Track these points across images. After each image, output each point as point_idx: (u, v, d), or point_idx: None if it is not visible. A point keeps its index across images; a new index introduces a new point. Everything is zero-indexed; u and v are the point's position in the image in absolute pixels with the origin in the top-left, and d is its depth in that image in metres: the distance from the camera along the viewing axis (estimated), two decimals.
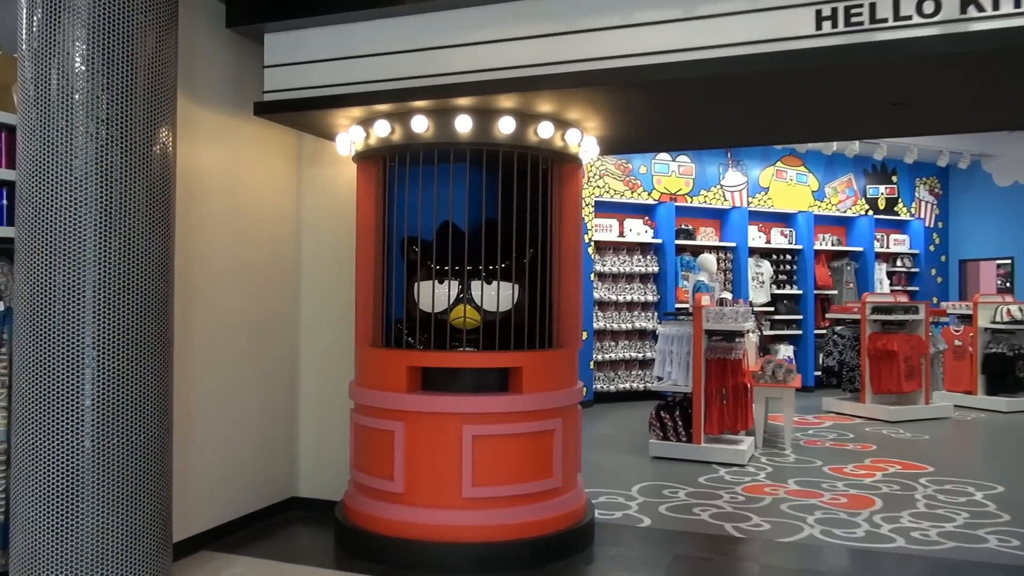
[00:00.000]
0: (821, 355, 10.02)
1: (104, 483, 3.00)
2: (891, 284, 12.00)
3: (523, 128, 4.12)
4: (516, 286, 4.26)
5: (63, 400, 2.97)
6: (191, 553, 4.09)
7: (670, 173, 10.39)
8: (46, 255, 2.99)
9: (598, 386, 9.59)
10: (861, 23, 3.16)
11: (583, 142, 4.43)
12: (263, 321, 4.71)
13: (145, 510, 3.11)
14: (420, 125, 4.05)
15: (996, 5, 2.98)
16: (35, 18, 3.01)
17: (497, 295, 4.19)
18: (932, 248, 12.63)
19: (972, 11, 3.01)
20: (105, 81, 3.01)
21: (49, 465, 2.96)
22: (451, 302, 4.16)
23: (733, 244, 10.72)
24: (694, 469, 6.17)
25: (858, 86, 3.65)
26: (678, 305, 9.79)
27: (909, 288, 12.14)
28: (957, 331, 10.09)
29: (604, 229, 9.85)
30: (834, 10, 3.18)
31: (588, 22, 3.55)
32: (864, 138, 9.69)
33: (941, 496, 5.48)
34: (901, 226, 12.40)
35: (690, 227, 10.56)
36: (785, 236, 11.35)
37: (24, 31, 3.05)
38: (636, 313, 10.04)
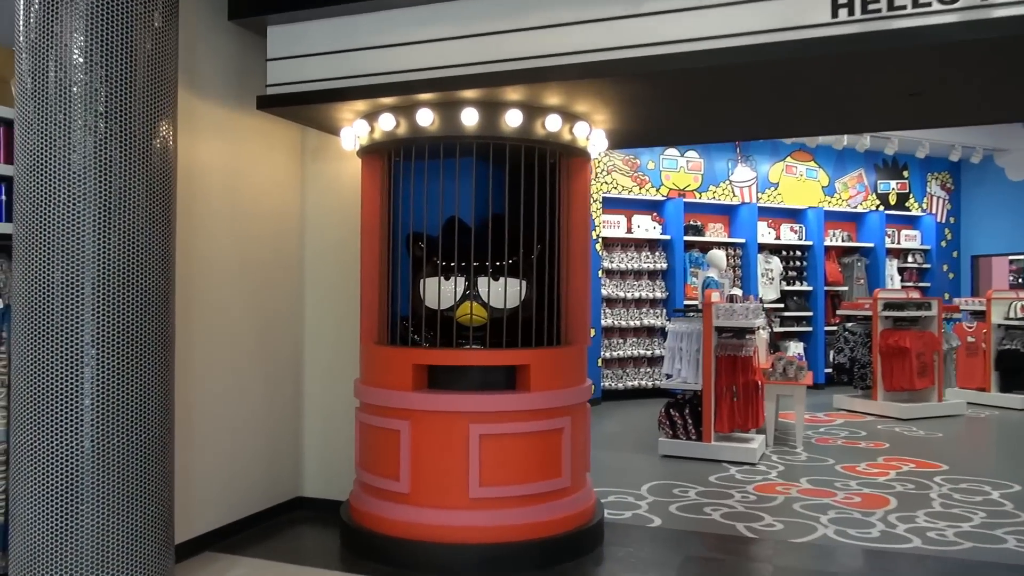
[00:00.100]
0: (832, 352, 9.92)
1: (104, 484, 2.95)
2: (902, 280, 11.88)
3: (530, 121, 4.04)
4: (523, 282, 4.19)
5: (63, 399, 2.92)
6: (194, 554, 4.05)
7: (678, 169, 10.29)
8: (44, 252, 2.94)
9: (606, 384, 9.52)
10: (879, 10, 3.07)
11: (591, 135, 4.36)
12: (266, 319, 4.65)
13: (146, 511, 3.07)
14: (425, 119, 3.98)
15: None
16: (32, 9, 2.96)
17: (504, 292, 4.12)
18: (944, 244, 12.48)
19: None
20: (104, 74, 2.95)
21: (49, 465, 2.92)
22: (457, 299, 4.10)
23: (742, 240, 10.62)
24: (704, 468, 6.10)
25: (875, 75, 3.56)
26: (687, 302, 9.71)
27: (920, 284, 12.03)
28: (970, 327, 9.97)
29: (612, 225, 9.77)
30: None
31: (595, 12, 3.48)
32: (878, 131, 9.58)
33: (957, 495, 5.39)
34: (912, 222, 12.27)
35: (699, 223, 10.47)
36: (795, 232, 11.24)
37: (21, 22, 3.00)
38: (644, 310, 9.95)
